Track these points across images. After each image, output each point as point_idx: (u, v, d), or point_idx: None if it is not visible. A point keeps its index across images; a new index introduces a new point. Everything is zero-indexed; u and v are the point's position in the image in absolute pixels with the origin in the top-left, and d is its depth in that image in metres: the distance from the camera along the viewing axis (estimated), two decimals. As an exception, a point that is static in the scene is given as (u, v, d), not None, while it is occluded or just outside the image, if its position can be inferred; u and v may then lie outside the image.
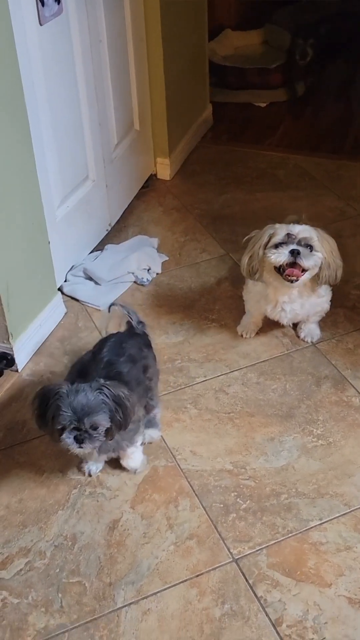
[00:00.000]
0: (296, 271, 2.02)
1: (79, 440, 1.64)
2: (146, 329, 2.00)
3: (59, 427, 1.63)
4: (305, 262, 2.00)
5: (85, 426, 1.62)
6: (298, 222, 2.14)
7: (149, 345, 1.97)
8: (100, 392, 1.64)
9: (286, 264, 2.02)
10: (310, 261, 2.01)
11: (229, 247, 2.75)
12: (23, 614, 1.63)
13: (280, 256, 2.01)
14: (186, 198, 3.09)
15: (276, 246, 2.02)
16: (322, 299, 2.22)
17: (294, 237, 2.02)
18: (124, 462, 1.90)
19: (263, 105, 3.87)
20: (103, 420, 1.64)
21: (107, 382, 1.66)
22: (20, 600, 1.65)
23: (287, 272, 2.03)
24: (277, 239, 2.02)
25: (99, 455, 1.81)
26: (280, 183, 3.17)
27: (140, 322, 1.97)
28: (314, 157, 3.35)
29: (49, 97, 2.26)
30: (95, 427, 1.63)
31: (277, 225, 2.06)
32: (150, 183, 3.19)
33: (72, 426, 1.62)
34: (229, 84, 3.87)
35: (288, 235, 2.02)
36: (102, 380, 1.66)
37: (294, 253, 2.00)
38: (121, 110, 2.78)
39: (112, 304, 2.00)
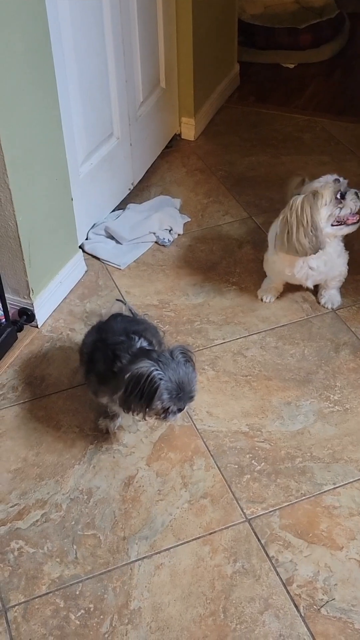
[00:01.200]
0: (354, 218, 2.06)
1: (180, 410, 1.66)
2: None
3: (168, 406, 1.62)
4: None
5: (189, 399, 1.66)
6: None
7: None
8: (187, 361, 1.66)
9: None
10: None
11: (252, 210, 2.73)
12: (38, 563, 1.66)
13: (350, 204, 2.01)
14: (210, 159, 3.05)
15: (337, 199, 2.01)
16: (340, 260, 2.20)
17: (340, 183, 2.02)
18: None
19: (291, 66, 3.79)
20: (197, 384, 1.67)
21: (181, 348, 1.67)
22: (35, 550, 1.69)
23: (349, 219, 2.04)
24: (329, 194, 2.00)
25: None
26: (306, 147, 3.13)
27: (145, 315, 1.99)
28: (341, 121, 3.30)
29: (76, 51, 2.23)
30: (193, 393, 1.67)
31: (314, 185, 2.03)
32: (174, 143, 3.15)
33: (182, 402, 1.64)
34: (257, 44, 3.79)
35: (335, 180, 2.02)
36: (177, 349, 1.68)
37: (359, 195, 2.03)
38: (148, 67, 2.74)
39: (118, 300, 2.09)
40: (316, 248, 2.03)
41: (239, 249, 2.57)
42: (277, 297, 2.35)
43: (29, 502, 1.79)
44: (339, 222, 2.05)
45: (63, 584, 1.62)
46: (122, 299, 2.10)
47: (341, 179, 2.03)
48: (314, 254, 2.05)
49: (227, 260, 2.52)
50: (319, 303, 2.32)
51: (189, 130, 3.17)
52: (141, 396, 1.62)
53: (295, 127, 3.26)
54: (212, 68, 3.20)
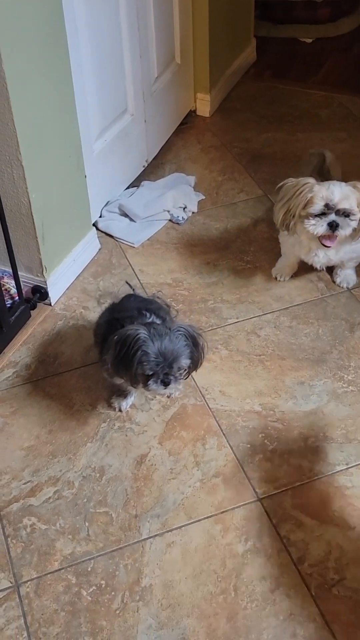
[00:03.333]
0: (331, 241, 2.01)
1: (166, 383, 1.65)
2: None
3: (150, 372, 1.62)
4: (342, 232, 1.99)
5: (174, 371, 1.63)
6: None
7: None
8: (182, 334, 1.64)
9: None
10: (348, 230, 1.99)
11: (268, 188, 2.70)
12: (51, 539, 1.67)
13: (318, 228, 1.98)
14: (225, 136, 3.02)
15: (314, 216, 1.97)
16: (357, 245, 2.17)
17: (332, 206, 1.96)
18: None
19: (309, 41, 3.73)
20: (187, 362, 1.65)
21: (183, 325, 1.67)
22: (48, 526, 1.70)
23: (322, 240, 2.02)
24: (316, 209, 1.96)
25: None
26: (323, 123, 3.08)
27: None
28: (359, 97, 3.24)
29: (89, 25, 2.20)
30: (180, 369, 1.65)
31: (316, 188, 1.98)
32: (190, 119, 3.12)
33: (163, 372, 1.63)
34: (274, 18, 3.73)
35: (327, 205, 1.96)
36: (179, 323, 1.68)
37: (333, 225, 1.97)
38: (163, 41, 2.70)
39: (127, 283, 2.11)
40: (282, 228, 2.08)
41: (254, 227, 2.55)
42: (292, 276, 2.33)
43: (41, 479, 1.80)
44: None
45: (75, 560, 1.64)
46: (129, 283, 2.10)
47: (333, 204, 1.96)
48: (281, 231, 2.11)
49: (242, 239, 2.50)
50: (334, 282, 2.30)
51: (204, 106, 3.13)
52: (126, 359, 1.62)
53: (312, 103, 3.22)
54: (228, 43, 3.16)
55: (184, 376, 1.68)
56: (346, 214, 1.97)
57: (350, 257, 2.20)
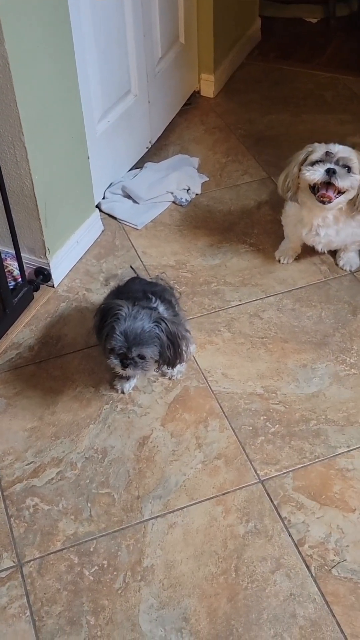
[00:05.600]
0: (329, 193, 1.96)
1: (124, 365, 1.67)
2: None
3: (109, 347, 1.66)
4: (340, 182, 1.94)
5: (133, 354, 1.65)
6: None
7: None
8: (157, 325, 1.65)
9: (320, 184, 1.96)
10: (347, 182, 1.95)
11: (272, 170, 2.69)
12: (53, 520, 1.69)
13: (315, 174, 1.95)
14: (229, 117, 3.00)
15: (313, 164, 1.96)
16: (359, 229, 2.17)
17: (332, 155, 1.95)
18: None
19: (314, 21, 3.69)
20: (151, 353, 1.66)
21: (167, 317, 1.67)
22: (51, 507, 1.71)
23: (320, 192, 1.97)
24: (315, 156, 1.97)
25: (143, 375, 1.84)
26: (328, 105, 3.06)
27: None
28: (365, 78, 3.22)
29: (92, 4, 2.18)
30: (142, 357, 1.66)
31: (317, 144, 2.00)
32: (193, 100, 3.10)
33: (120, 351, 1.65)
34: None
35: (327, 153, 1.96)
36: (162, 312, 1.70)
37: (330, 172, 1.94)
38: (167, 21, 2.68)
39: (132, 267, 2.16)
40: (284, 193, 2.08)
41: (257, 209, 2.54)
42: (295, 259, 2.33)
43: (44, 460, 1.81)
44: (312, 190, 2.00)
45: (77, 540, 1.65)
46: (133, 268, 2.11)
47: (333, 153, 1.95)
48: (284, 197, 2.11)
49: (245, 221, 2.49)
50: (337, 265, 2.30)
51: (209, 87, 3.11)
52: (100, 328, 1.68)
53: (317, 85, 3.19)
54: (232, 23, 3.13)
55: (153, 368, 1.69)
56: (346, 165, 1.95)
57: (353, 240, 2.20)
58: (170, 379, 1.95)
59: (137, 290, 1.81)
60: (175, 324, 1.70)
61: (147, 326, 1.64)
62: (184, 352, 1.73)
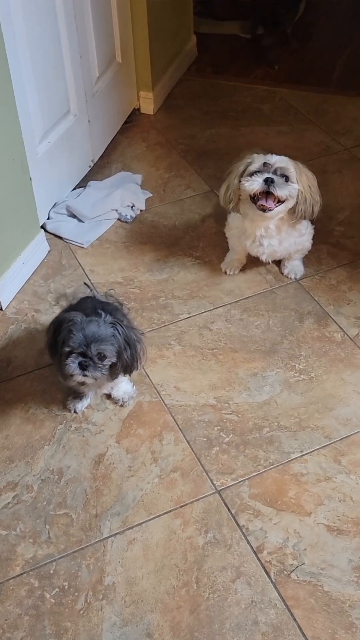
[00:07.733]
0: (269, 202, 2.00)
1: (83, 367, 1.66)
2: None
3: (67, 349, 1.65)
4: (278, 191, 1.98)
5: (92, 352, 1.65)
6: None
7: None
8: (113, 327, 1.67)
9: (260, 194, 2.00)
10: (285, 191, 1.99)
11: (214, 184, 2.73)
12: (11, 545, 1.67)
13: (254, 184, 1.99)
14: (170, 133, 3.04)
15: (251, 174, 2.00)
16: (303, 238, 2.21)
17: (270, 166, 2.00)
18: (114, 393, 1.93)
19: (249, 36, 3.77)
20: (110, 352, 1.66)
21: (120, 321, 1.69)
22: (8, 532, 1.69)
23: (260, 202, 2.01)
24: (254, 167, 2.01)
25: (97, 389, 1.84)
26: (266, 117, 3.12)
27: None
28: (299, 90, 3.29)
29: (27, 27, 2.19)
30: (101, 357, 1.66)
31: (255, 155, 2.04)
32: (134, 118, 3.13)
33: (79, 350, 1.65)
34: (215, 14, 3.76)
35: (264, 164, 2.00)
36: (110, 317, 1.70)
37: (268, 181, 1.98)
38: (102, 41, 2.70)
39: (86, 284, 2.17)
40: (225, 204, 2.11)
41: (202, 223, 2.57)
42: (241, 270, 2.36)
43: (-1, 484, 1.79)
44: (253, 200, 2.04)
45: (37, 564, 1.64)
46: (88, 285, 2.12)
47: (271, 163, 2.00)
48: (226, 209, 2.15)
49: (190, 235, 2.52)
50: (282, 274, 2.34)
51: (148, 104, 3.14)
52: (55, 341, 1.69)
53: (255, 98, 3.25)
54: (168, 40, 3.17)
55: (109, 371, 1.69)
56: (284, 174, 2.00)
57: (296, 249, 2.24)
58: (122, 406, 1.95)
59: (88, 308, 1.81)
60: (130, 328, 1.71)
61: (104, 327, 1.66)
62: (140, 355, 1.74)
